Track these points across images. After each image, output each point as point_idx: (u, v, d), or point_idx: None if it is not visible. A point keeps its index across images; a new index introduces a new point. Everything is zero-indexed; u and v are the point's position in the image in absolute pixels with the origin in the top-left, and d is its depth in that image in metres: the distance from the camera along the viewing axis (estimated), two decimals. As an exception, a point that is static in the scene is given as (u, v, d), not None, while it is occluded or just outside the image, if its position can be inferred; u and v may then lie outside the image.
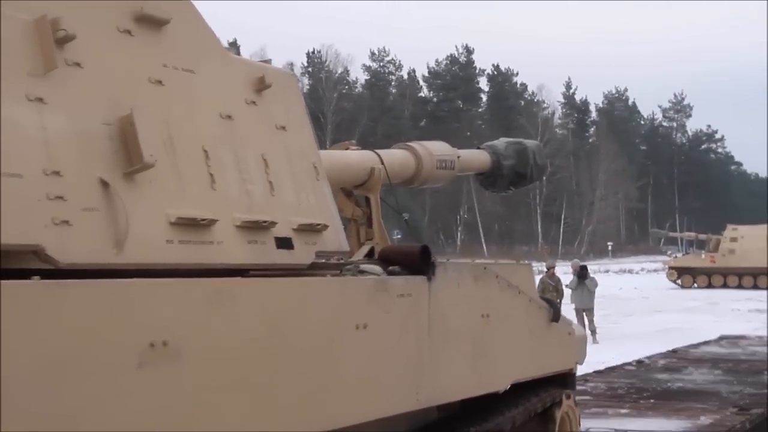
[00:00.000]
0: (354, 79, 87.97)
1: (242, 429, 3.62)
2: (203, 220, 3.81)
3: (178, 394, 3.35)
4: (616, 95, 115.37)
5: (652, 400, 11.45)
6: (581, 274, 20.90)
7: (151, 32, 3.91)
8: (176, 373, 3.33)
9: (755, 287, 43.65)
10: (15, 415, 2.80)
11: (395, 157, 6.66)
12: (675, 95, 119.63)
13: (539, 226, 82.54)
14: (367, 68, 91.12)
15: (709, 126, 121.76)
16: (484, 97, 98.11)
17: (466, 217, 77.17)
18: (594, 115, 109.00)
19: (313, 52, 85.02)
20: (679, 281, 47.08)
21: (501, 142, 7.75)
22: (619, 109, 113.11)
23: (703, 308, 32.10)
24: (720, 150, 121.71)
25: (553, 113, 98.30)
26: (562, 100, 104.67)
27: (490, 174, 7.59)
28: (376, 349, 4.46)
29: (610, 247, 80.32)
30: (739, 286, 44.59)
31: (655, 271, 59.93)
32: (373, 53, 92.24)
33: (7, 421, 2.77)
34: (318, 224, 4.55)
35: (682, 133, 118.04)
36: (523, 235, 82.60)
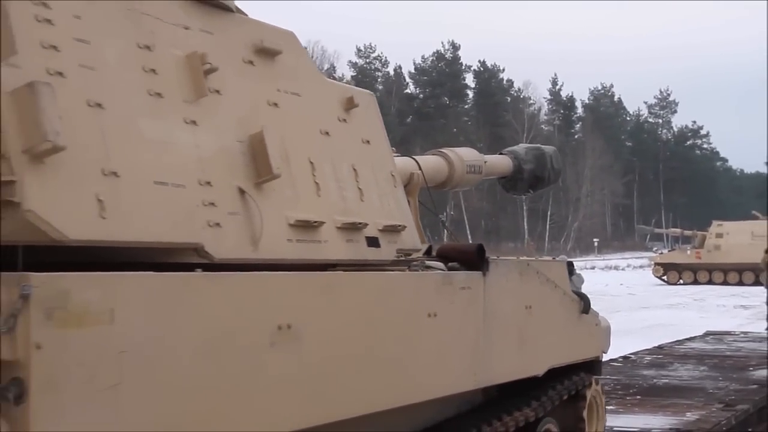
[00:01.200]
0: (340, 75, 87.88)
1: (344, 396, 4.25)
2: (315, 222, 4.49)
3: (299, 368, 3.94)
4: (602, 91, 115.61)
5: (638, 397, 11.45)
6: (567, 270, 20.92)
7: (268, 62, 4.59)
8: (297, 351, 3.92)
9: (740, 283, 43.82)
10: (182, 381, 3.37)
11: (430, 162, 7.09)
12: (661, 91, 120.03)
13: (525, 223, 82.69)
14: (354, 65, 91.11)
15: (694, 122, 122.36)
16: (471, 94, 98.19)
17: (452, 214, 77.28)
18: (580, 111, 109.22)
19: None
20: (665, 277, 47.25)
21: (521, 148, 8.16)
22: (604, 105, 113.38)
23: (688, 304, 32.20)
24: (705, 146, 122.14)
25: (539, 109, 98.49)
26: (548, 97, 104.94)
27: (511, 177, 7.99)
28: (444, 335, 5.06)
29: (596, 244, 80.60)
30: (725, 282, 44.90)
31: (641, 267, 60.12)
32: (359, 50, 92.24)
33: (174, 386, 3.33)
34: (398, 225, 5.24)
35: (668, 129, 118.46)
36: (510, 232, 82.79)
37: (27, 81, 3.19)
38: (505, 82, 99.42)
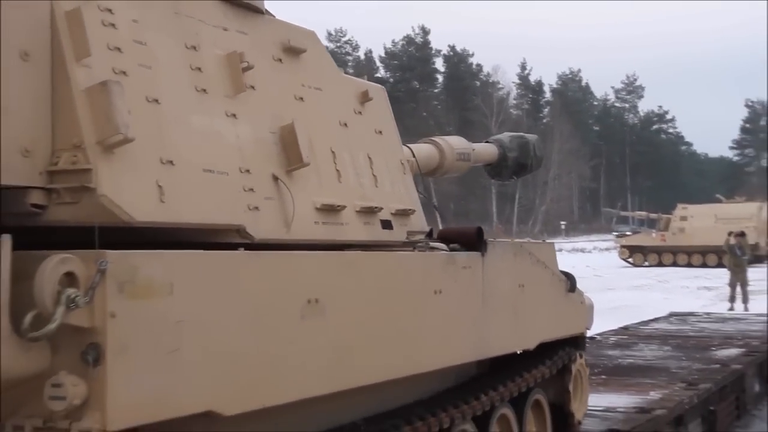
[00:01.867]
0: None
1: (363, 365, 4.56)
2: (337, 206, 4.86)
3: (324, 339, 4.24)
4: (570, 76, 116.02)
5: (603, 376, 11.57)
6: None
7: (294, 59, 4.94)
8: (323, 323, 4.23)
9: (704, 265, 44.28)
10: (228, 347, 3.67)
11: (423, 150, 7.29)
12: (627, 76, 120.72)
13: (494, 206, 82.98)
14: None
15: (660, 107, 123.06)
16: (440, 78, 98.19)
17: (422, 196, 77.25)
18: (548, 95, 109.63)
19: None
20: (630, 260, 47.60)
21: (506, 136, 8.34)
22: (572, 90, 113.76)
23: (653, 286, 32.52)
24: (671, 130, 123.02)
25: (508, 94, 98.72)
26: (517, 81, 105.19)
27: (497, 164, 8.19)
28: (448, 310, 5.37)
29: (563, 226, 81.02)
30: (689, 264, 45.29)
31: (607, 249, 60.53)
32: (330, 34, 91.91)
33: (222, 351, 3.64)
34: (408, 209, 5.67)
35: (634, 113, 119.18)
36: (479, 215, 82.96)
37: (97, 80, 3.50)
38: (474, 66, 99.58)
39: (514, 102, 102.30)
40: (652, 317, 19.19)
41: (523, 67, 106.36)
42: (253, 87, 4.46)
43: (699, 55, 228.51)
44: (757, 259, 44.51)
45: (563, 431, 7.27)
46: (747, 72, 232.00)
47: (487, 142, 8.48)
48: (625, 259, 47.65)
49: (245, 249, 3.92)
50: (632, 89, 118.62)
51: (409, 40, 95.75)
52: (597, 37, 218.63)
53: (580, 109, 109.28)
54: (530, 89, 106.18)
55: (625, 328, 16.98)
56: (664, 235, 47.52)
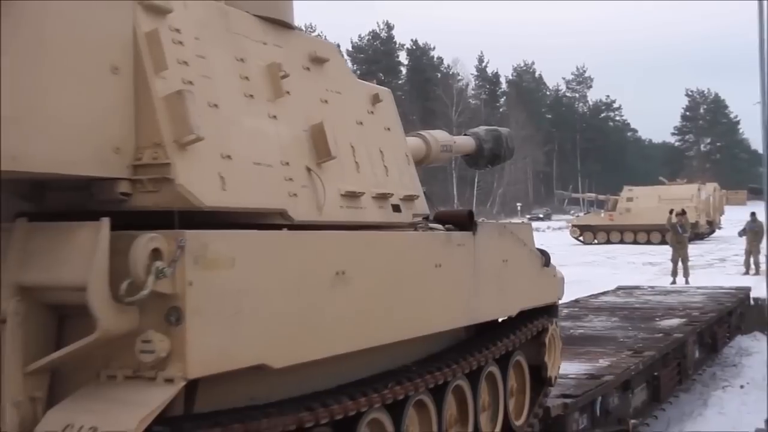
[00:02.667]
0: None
1: (379, 327, 4.95)
2: (358, 193, 5.26)
3: (350, 304, 4.63)
4: (524, 68, 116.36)
5: (556, 346, 11.66)
6: None
7: (318, 68, 5.33)
8: (348, 291, 4.60)
9: (648, 242, 44.58)
10: (275, 311, 4.07)
11: (412, 143, 7.49)
12: (577, 68, 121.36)
13: (455, 189, 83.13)
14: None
15: (607, 96, 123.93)
16: (404, 70, 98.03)
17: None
18: (504, 86, 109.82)
19: None
20: (581, 238, 47.87)
21: (481, 130, 8.53)
22: (527, 81, 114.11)
23: (602, 262, 32.71)
24: (618, 118, 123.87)
25: (467, 85, 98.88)
26: (475, 73, 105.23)
27: (474, 155, 8.34)
28: (446, 282, 5.74)
29: (519, 208, 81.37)
30: (635, 242, 45.30)
31: (560, 229, 60.84)
32: (299, 29, 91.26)
33: (271, 314, 4.04)
34: (413, 195, 6.03)
35: (584, 102, 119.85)
36: (440, 197, 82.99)
37: (172, 89, 3.92)
38: (435, 59, 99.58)
39: (473, 93, 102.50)
40: (601, 291, 19.28)
41: (481, 60, 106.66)
42: (288, 92, 4.85)
43: (643, 48, 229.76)
44: (698, 236, 45.08)
45: (539, 388, 7.60)
46: (686, 63, 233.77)
47: (465, 135, 8.65)
48: (576, 238, 47.89)
49: (287, 229, 4.38)
50: (582, 80, 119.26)
51: (374, 34, 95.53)
52: (549, 31, 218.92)
53: (534, 98, 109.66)
54: (488, 80, 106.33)
55: (576, 301, 16.99)
56: (611, 215, 47.76)
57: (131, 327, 3.58)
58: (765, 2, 14.60)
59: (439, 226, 6.18)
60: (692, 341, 13.40)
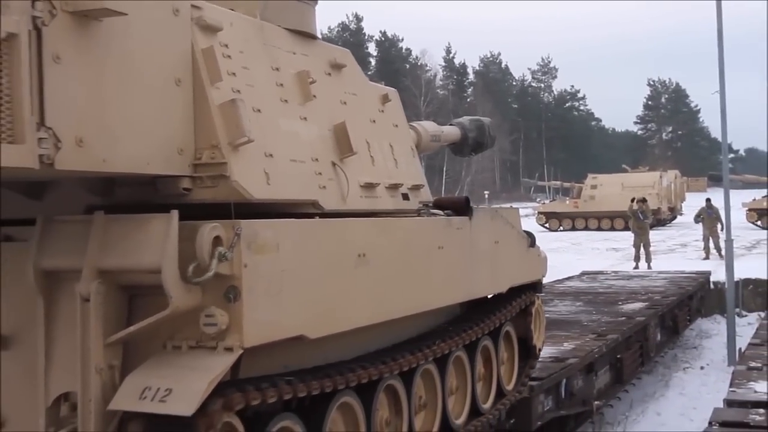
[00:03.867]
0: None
1: (393, 302, 5.45)
2: (374, 183, 5.81)
3: (370, 282, 5.14)
4: (491, 59, 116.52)
5: (522, 329, 11.74)
6: None
7: (338, 73, 5.85)
8: (368, 271, 5.09)
9: (612, 229, 44.68)
10: (312, 288, 4.56)
11: None
12: (542, 59, 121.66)
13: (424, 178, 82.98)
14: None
15: (572, 86, 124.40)
16: (373, 61, 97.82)
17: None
18: (471, 76, 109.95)
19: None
20: (547, 224, 48.09)
21: (466, 120, 8.94)
22: (493, 72, 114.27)
23: (567, 248, 32.84)
24: (582, 107, 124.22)
25: (435, 75, 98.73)
26: (443, 64, 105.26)
27: (459, 143, 8.71)
28: (447, 262, 6.22)
29: (486, 196, 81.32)
30: (599, 228, 45.58)
31: (526, 216, 60.94)
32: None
33: (309, 291, 4.53)
34: (419, 184, 6.62)
35: (549, 92, 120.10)
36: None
37: (224, 98, 4.42)
38: (404, 50, 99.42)
39: (441, 83, 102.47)
40: (566, 276, 19.52)
41: (448, 51, 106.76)
42: (315, 96, 5.34)
43: (606, 40, 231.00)
44: (660, 223, 45.46)
45: (526, 356, 8.15)
46: (648, 54, 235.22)
47: (450, 125, 8.98)
48: (542, 225, 48.01)
49: (319, 217, 4.90)
50: (547, 70, 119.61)
51: (344, 26, 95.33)
52: (515, 25, 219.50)
53: (500, 88, 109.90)
54: (455, 71, 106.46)
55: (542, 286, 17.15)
56: (576, 202, 47.78)
57: (195, 304, 4.06)
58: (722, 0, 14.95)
59: (440, 212, 6.65)
60: (654, 324, 13.65)
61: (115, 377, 4.11)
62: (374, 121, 6.19)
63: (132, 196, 4.47)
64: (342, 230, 4.95)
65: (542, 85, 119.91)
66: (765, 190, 48.07)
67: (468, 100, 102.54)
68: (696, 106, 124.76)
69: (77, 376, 4.06)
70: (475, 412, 6.88)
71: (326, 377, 4.78)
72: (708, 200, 28.22)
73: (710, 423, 6.94)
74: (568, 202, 49.86)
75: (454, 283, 6.40)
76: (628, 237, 29.24)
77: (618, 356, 11.40)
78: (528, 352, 8.17)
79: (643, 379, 13.42)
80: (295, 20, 5.49)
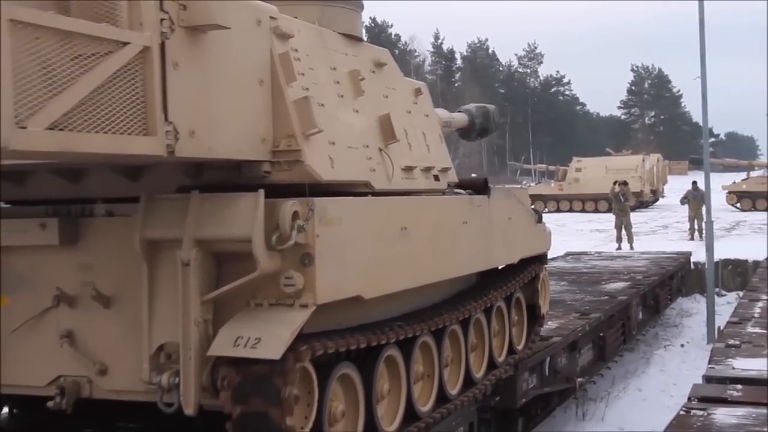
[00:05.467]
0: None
1: (428, 268, 6.09)
2: (413, 166, 6.42)
3: (410, 251, 5.74)
4: (478, 45, 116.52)
5: (507, 309, 11.76)
6: None
7: (380, 70, 6.48)
8: (409, 242, 5.70)
9: (596, 211, 44.86)
10: (366, 256, 5.19)
11: None
12: (528, 45, 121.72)
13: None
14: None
15: (557, 72, 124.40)
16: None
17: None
18: (459, 62, 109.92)
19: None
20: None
21: (472, 107, 9.27)
22: (481, 57, 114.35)
23: (552, 229, 32.74)
24: (567, 92, 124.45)
25: (424, 61, 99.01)
26: (431, 50, 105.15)
27: (467, 129, 9.11)
28: (470, 235, 6.87)
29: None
30: (583, 210, 45.86)
31: (513, 198, 60.93)
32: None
33: (365, 258, 5.17)
34: (447, 167, 7.21)
35: (535, 78, 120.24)
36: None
37: (298, 95, 5.10)
38: (393, 36, 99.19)
39: (429, 68, 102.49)
40: (550, 257, 19.50)
41: (437, 37, 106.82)
42: (364, 91, 5.96)
43: (590, 27, 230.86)
44: (642, 205, 45.61)
45: (533, 320, 8.83)
46: (632, 41, 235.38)
47: (459, 111, 9.42)
48: (528, 207, 48.05)
49: (371, 195, 5.60)
50: (533, 56, 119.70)
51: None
52: (501, 10, 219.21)
53: (488, 74, 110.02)
54: (443, 57, 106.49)
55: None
56: (561, 185, 47.89)
57: (276, 268, 4.69)
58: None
59: (463, 191, 7.32)
60: (636, 303, 13.73)
61: (209, 330, 4.77)
62: (410, 111, 6.79)
63: (218, 177, 5.10)
64: (388, 207, 5.63)
65: (528, 70, 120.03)
66: (744, 174, 48.41)
67: (456, 85, 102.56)
68: (678, 91, 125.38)
69: (179, 329, 4.73)
70: (491, 365, 7.61)
71: (381, 332, 5.50)
72: (694, 183, 28.35)
73: (689, 398, 6.99)
74: (553, 184, 49.99)
75: (476, 254, 7.04)
76: (611, 219, 29.39)
77: (601, 334, 11.48)
78: (534, 317, 8.82)
79: (625, 357, 13.53)
80: (346, 25, 6.17)
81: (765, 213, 38.28)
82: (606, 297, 13.02)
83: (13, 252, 5.30)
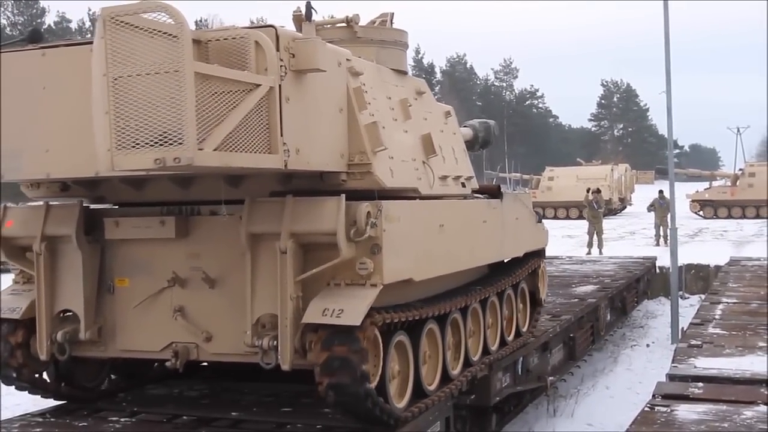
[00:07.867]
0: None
1: (459, 257, 7.17)
2: (447, 176, 7.45)
3: (447, 244, 6.83)
4: (457, 60, 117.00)
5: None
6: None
7: (420, 97, 7.48)
8: (445, 236, 6.78)
9: (568, 217, 46.09)
10: (418, 247, 6.32)
11: None
12: (504, 60, 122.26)
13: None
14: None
15: (532, 85, 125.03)
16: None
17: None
18: (439, 76, 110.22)
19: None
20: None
21: (476, 122, 9.98)
22: (459, 71, 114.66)
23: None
24: (541, 105, 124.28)
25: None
26: (413, 64, 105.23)
27: (471, 141, 9.50)
28: (488, 232, 8.01)
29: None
30: (555, 217, 46.48)
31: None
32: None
33: (418, 249, 6.33)
34: (470, 176, 8.19)
35: (511, 91, 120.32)
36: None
37: (367, 120, 6.13)
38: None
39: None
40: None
41: (417, 51, 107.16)
42: (410, 116, 6.95)
43: (563, 43, 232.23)
44: (610, 212, 46.24)
45: (534, 306, 9.84)
46: (602, 58, 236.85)
47: (465, 126, 10.05)
48: (504, 213, 48.28)
49: (418, 199, 6.63)
50: (509, 71, 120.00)
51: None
52: (479, 28, 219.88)
53: (466, 87, 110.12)
54: (424, 70, 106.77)
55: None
56: (535, 193, 47.95)
57: (352, 255, 5.72)
58: (668, 3, 15.48)
59: (480, 196, 8.31)
60: (604, 306, 13.72)
61: (300, 304, 5.79)
62: (442, 131, 7.77)
63: (304, 184, 6.09)
64: (431, 208, 6.66)
65: (504, 84, 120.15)
66: (707, 183, 49.39)
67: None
68: (645, 105, 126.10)
69: (277, 303, 5.77)
70: (502, 343, 8.62)
71: (428, 307, 6.56)
72: (661, 191, 28.45)
73: (654, 395, 7.03)
74: (527, 192, 50.33)
75: (492, 247, 8.11)
76: (582, 225, 29.53)
77: (571, 335, 11.44)
78: (535, 303, 9.86)
79: (593, 356, 13.50)
80: (395, 62, 7.25)
81: (726, 220, 39.00)
82: (576, 299, 12.93)
83: (133, 244, 6.37)
